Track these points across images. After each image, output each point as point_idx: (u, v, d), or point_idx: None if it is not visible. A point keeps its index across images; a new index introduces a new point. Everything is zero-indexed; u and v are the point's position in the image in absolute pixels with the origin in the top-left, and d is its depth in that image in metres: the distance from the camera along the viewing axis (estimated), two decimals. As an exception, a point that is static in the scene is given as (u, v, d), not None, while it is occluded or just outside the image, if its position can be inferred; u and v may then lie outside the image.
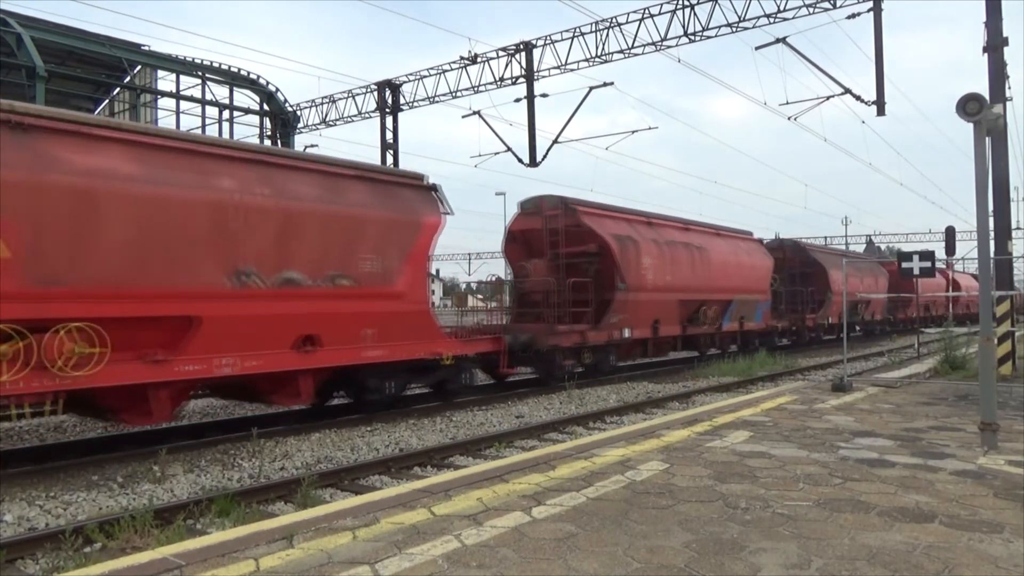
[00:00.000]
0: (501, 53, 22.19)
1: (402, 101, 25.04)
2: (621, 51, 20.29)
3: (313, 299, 9.94)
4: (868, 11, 16.83)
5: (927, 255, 10.92)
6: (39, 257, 7.42)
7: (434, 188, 12.24)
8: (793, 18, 18.12)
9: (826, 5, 17.56)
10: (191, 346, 8.64)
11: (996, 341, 10.01)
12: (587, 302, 15.23)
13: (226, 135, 22.27)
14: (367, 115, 25.59)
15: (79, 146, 7.95)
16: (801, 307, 25.34)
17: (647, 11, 19.69)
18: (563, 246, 15.22)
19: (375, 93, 25.17)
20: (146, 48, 21.44)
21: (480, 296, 20.15)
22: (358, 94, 25.57)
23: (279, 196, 9.63)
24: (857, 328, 30.48)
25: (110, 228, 7.95)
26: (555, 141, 22.50)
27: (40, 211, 7.45)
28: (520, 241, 16.19)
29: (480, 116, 23.33)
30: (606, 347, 15.87)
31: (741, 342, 21.40)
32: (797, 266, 25.79)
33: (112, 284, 7.95)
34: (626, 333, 16.01)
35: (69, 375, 7.52)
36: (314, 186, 10.20)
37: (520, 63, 21.84)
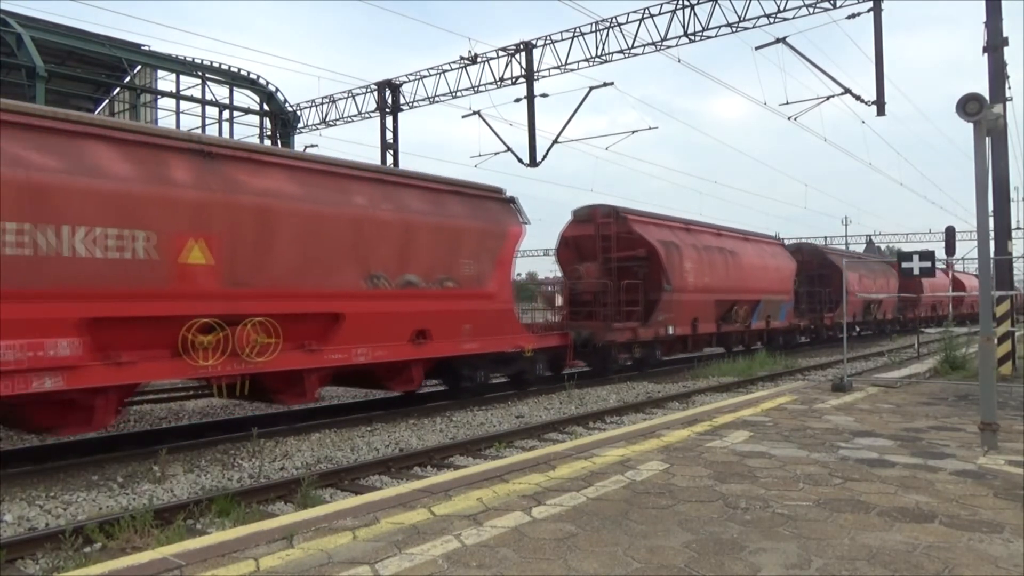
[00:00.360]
0: (501, 53, 22.19)
1: (402, 101, 25.05)
2: (621, 51, 20.30)
3: (426, 299, 11.61)
4: (868, 11, 16.84)
5: (927, 255, 10.87)
6: (233, 264, 8.94)
7: (512, 200, 13.87)
8: (793, 18, 18.13)
9: (826, 5, 17.56)
10: (336, 338, 10.21)
11: (996, 341, 10.01)
12: (636, 302, 16.61)
13: (226, 135, 22.27)
14: (367, 115, 25.59)
15: (254, 171, 9.51)
16: (819, 307, 26.60)
17: (647, 11, 19.69)
18: (614, 251, 16.76)
19: (375, 93, 25.17)
20: (146, 48, 21.45)
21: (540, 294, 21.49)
22: (358, 94, 25.58)
23: (399, 210, 11.24)
24: (857, 328, 31.12)
25: (281, 239, 9.50)
26: (555, 141, 22.51)
27: (232, 226, 8.96)
28: (572, 246, 17.68)
29: (480, 116, 23.34)
30: (652, 343, 17.32)
31: (767, 339, 22.95)
32: (815, 268, 26.98)
33: (283, 286, 9.52)
34: (670, 330, 17.52)
35: (253, 360, 9.06)
36: (424, 201, 11.80)
37: (520, 63, 21.84)
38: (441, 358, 11.97)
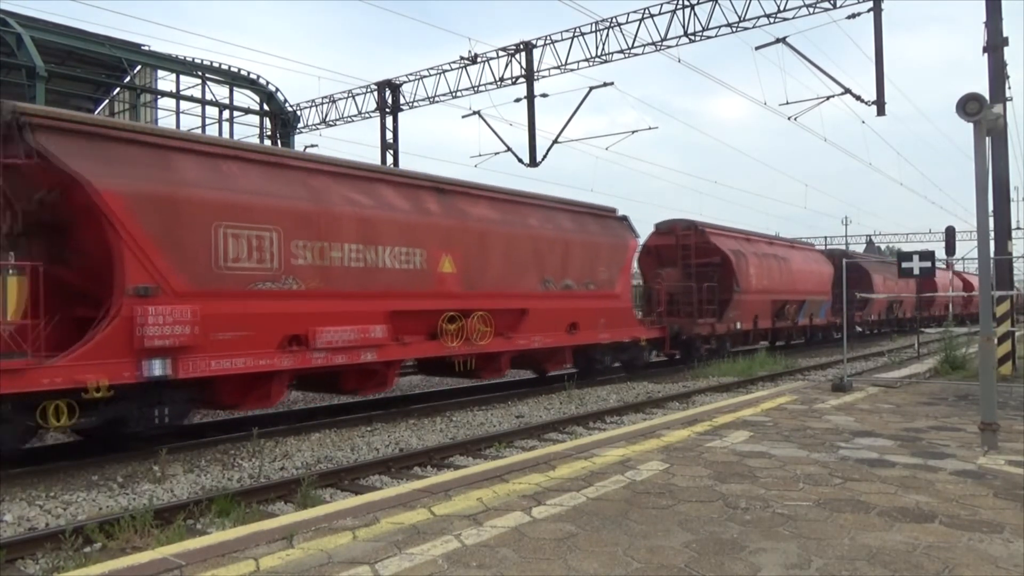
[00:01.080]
0: (501, 53, 22.19)
1: (402, 101, 25.04)
2: (621, 51, 20.29)
3: (577, 298, 14.93)
4: (868, 11, 16.83)
5: (927, 255, 10.91)
6: (467, 272, 12.29)
7: (625, 218, 17.51)
8: (793, 18, 18.12)
9: (826, 5, 17.56)
10: (521, 328, 13.46)
11: (996, 341, 10.01)
12: (713, 301, 19.65)
13: (226, 135, 22.27)
14: (367, 115, 25.58)
15: (472, 202, 12.96)
16: (851, 306, 30.10)
17: (647, 11, 19.68)
18: (693, 258, 19.80)
19: (375, 93, 25.16)
20: (146, 48, 21.43)
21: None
22: (358, 94, 25.57)
23: (558, 230, 14.74)
24: (856, 329, 31.97)
25: (492, 254, 12.93)
26: (555, 141, 22.51)
27: (465, 244, 12.35)
28: (654, 254, 20.77)
29: (480, 116, 23.33)
30: (723, 336, 20.43)
31: (810, 334, 26.79)
32: (849, 271, 29.67)
33: (493, 288, 12.85)
34: (738, 325, 20.78)
35: (477, 344, 12.40)
36: (572, 221, 15.40)
37: (520, 63, 21.84)
38: (583, 345, 15.11)
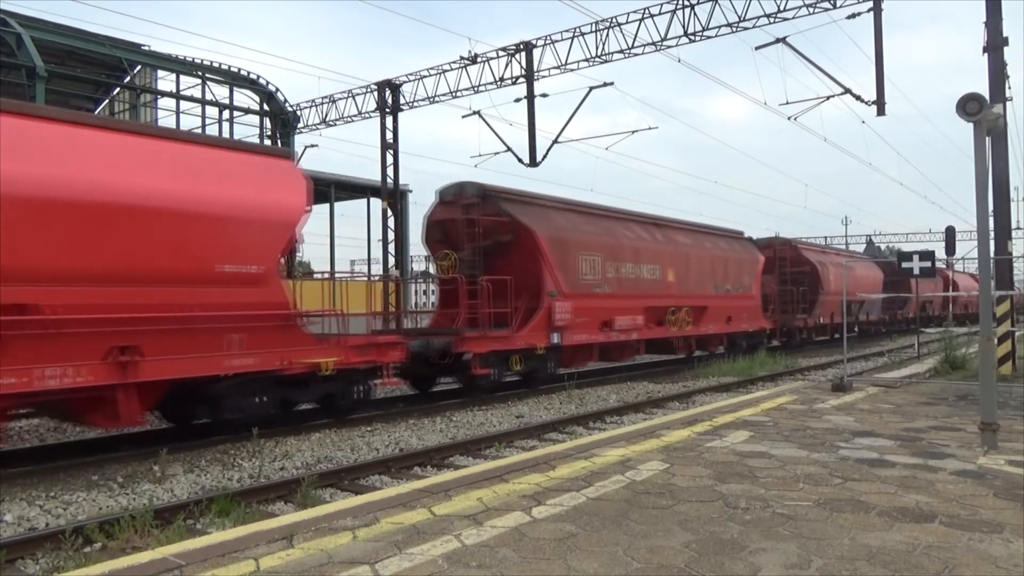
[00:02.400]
0: (501, 53, 22.18)
1: (402, 101, 25.03)
2: (621, 51, 20.27)
3: (732, 298, 20.86)
4: (868, 11, 16.80)
5: (927, 255, 10.96)
6: (678, 280, 18.11)
7: (752, 239, 24.33)
8: (793, 18, 18.09)
9: (826, 5, 17.55)
10: (701, 321, 19.14)
11: (996, 341, 10.01)
12: (804, 300, 25.74)
13: (226, 135, 22.26)
14: (367, 115, 25.55)
15: (675, 231, 19.38)
16: (893, 305, 35.72)
17: (647, 11, 19.67)
18: (788, 267, 25.97)
19: (375, 93, 25.15)
20: (146, 48, 21.43)
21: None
22: (358, 94, 25.56)
23: (720, 249, 21.00)
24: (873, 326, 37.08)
25: (690, 268, 18.70)
26: (555, 141, 22.48)
27: (676, 262, 18.06)
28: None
29: (480, 116, 23.30)
30: (812, 328, 26.74)
31: (864, 328, 32.81)
32: (889, 275, 34.66)
33: (690, 291, 18.70)
34: (821, 320, 27.03)
35: (684, 330, 18.13)
36: (726, 243, 21.84)
37: (520, 63, 21.83)
38: (733, 332, 20.74)
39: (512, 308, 13.47)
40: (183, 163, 8.97)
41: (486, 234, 13.95)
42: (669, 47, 19.60)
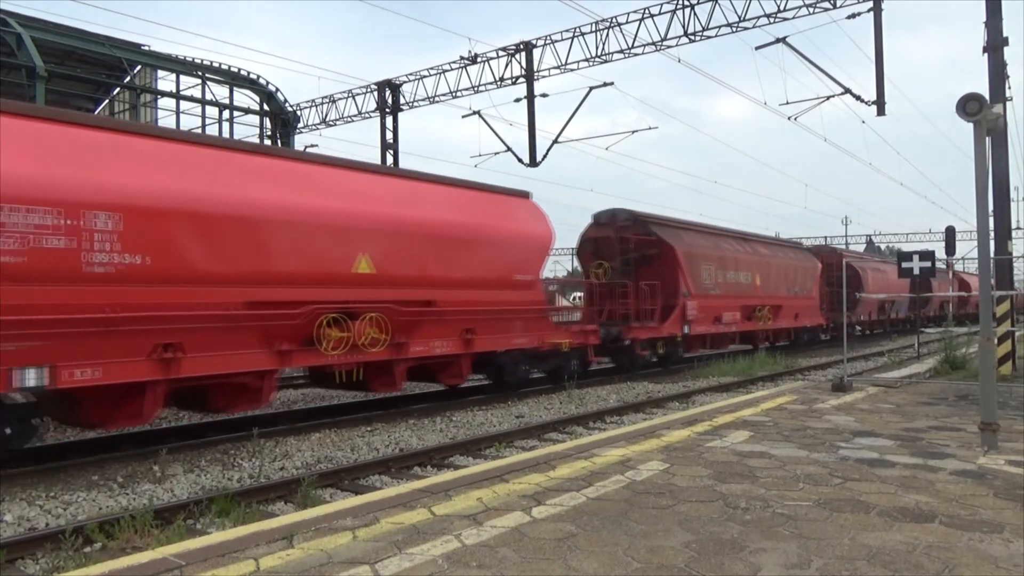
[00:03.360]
0: (501, 53, 22.19)
1: (402, 101, 25.04)
2: (621, 51, 20.29)
3: (799, 299, 24.92)
4: (868, 11, 16.83)
5: (927, 255, 10.99)
6: (764, 284, 22.40)
7: (811, 248, 29.41)
8: (793, 18, 18.13)
9: (826, 5, 17.56)
10: (779, 317, 23.11)
11: (996, 341, 10.01)
12: (849, 301, 27.01)
13: (226, 135, 22.25)
14: (367, 115, 25.59)
15: (759, 244, 24.00)
16: (915, 304, 39.50)
17: (647, 11, 19.69)
18: (835, 272, 27.82)
19: (375, 93, 25.17)
20: (146, 48, 21.42)
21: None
22: (358, 94, 25.58)
23: (789, 259, 24.99)
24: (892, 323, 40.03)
25: (770, 274, 22.90)
26: (555, 141, 22.51)
27: (762, 270, 22.58)
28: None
29: (480, 116, 23.34)
30: (854, 324, 30.63)
31: (895, 324, 37.03)
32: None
33: (770, 293, 22.79)
34: (861, 317, 31.32)
35: (766, 324, 22.28)
36: (793, 252, 26.27)
37: (520, 63, 21.84)
38: (798, 327, 25.43)
39: (657, 306, 17.67)
40: (487, 206, 13.53)
41: (635, 249, 17.95)
42: (669, 47, 19.62)
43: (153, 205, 8.29)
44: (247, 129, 24.37)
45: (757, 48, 18.61)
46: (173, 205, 8.48)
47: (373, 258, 10.67)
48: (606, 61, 20.69)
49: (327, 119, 26.30)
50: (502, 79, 22.24)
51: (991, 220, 11.76)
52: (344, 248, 10.37)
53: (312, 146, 24.85)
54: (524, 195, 14.89)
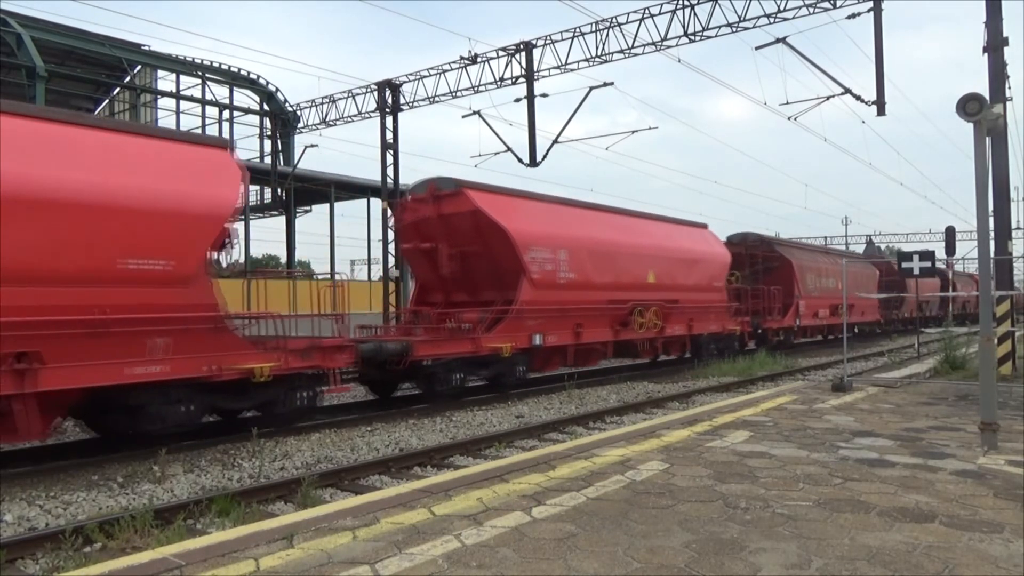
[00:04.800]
0: (501, 53, 22.19)
1: (402, 101, 25.03)
2: (621, 51, 20.28)
3: (864, 300, 28.23)
4: (868, 11, 16.80)
5: (927, 255, 11.00)
6: (849, 288, 21.35)
7: (870, 257, 38.34)
8: (793, 18, 18.09)
9: (826, 5, 17.55)
10: (852, 312, 27.99)
11: (996, 341, 10.01)
12: (895, 303, 34.74)
13: (226, 135, 22.26)
14: (367, 115, 25.56)
15: (826, 257, 30.36)
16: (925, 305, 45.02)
17: (647, 11, 19.67)
18: (884, 276, 32.66)
19: (375, 93, 25.16)
20: (146, 48, 21.45)
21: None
22: (358, 94, 25.57)
23: (861, 268, 30.98)
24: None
25: (851, 282, 26.74)
26: (555, 141, 22.49)
27: (838, 274, 27.78)
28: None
29: (480, 116, 23.31)
30: (897, 320, 35.93)
31: (908, 320, 39.47)
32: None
33: (852, 295, 24.88)
34: (904, 315, 35.73)
35: (855, 318, 29.71)
36: (858, 264, 32.11)
37: (520, 63, 21.83)
38: (866, 321, 31.27)
39: (780, 304, 23.67)
40: (694, 236, 20.61)
41: (762, 262, 24.46)
42: (669, 47, 19.60)
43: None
44: (247, 129, 24.39)
45: (757, 48, 18.60)
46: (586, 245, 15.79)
47: (655, 272, 17.66)
48: (606, 61, 20.68)
49: (327, 119, 26.28)
50: (502, 79, 22.24)
51: (991, 220, 11.76)
52: (642, 267, 17.40)
53: (312, 146, 24.88)
54: (704, 226, 21.68)
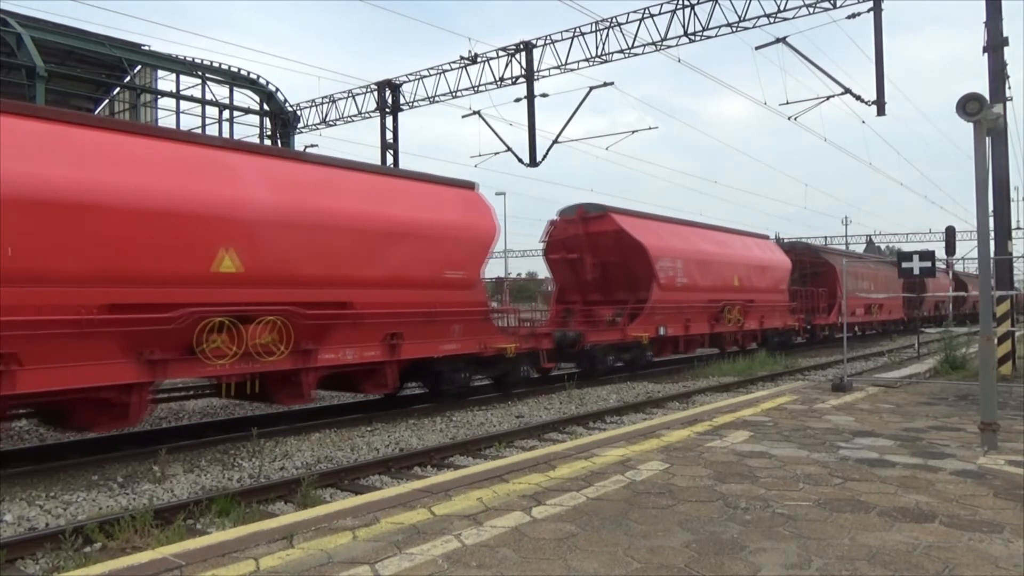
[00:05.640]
0: (501, 53, 22.19)
1: (402, 101, 25.04)
2: (621, 51, 20.30)
3: (891, 301, 32.20)
4: (868, 11, 16.83)
5: (927, 255, 10.99)
6: (877, 290, 30.74)
7: (896, 259, 32.58)
8: (793, 18, 18.12)
9: (826, 5, 17.56)
10: (881, 311, 32.16)
11: (996, 341, 10.01)
12: (917, 303, 35.23)
13: (226, 135, 22.26)
14: (367, 115, 25.59)
15: (861, 263, 32.59)
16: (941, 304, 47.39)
17: (647, 11, 19.69)
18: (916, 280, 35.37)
19: (375, 93, 25.17)
20: (146, 48, 21.44)
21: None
22: (358, 94, 25.58)
23: (887, 272, 31.39)
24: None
25: (880, 284, 31.06)
26: (555, 141, 22.51)
27: (873, 278, 31.29)
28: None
29: (480, 116, 23.33)
30: (918, 318, 35.72)
31: (928, 318, 41.17)
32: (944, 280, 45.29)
33: (879, 299, 31.22)
34: (924, 312, 36.40)
35: (879, 317, 32.82)
36: (884, 268, 32.44)
37: (520, 63, 21.84)
38: (891, 319, 34.19)
39: (825, 304, 26.79)
40: (762, 247, 23.93)
41: (810, 267, 27.42)
42: (669, 47, 19.62)
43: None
44: (247, 129, 24.39)
45: (757, 48, 18.62)
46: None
47: (739, 277, 20.61)
48: (606, 61, 20.69)
49: (327, 119, 26.30)
50: (502, 79, 22.25)
51: (991, 220, 11.76)
52: (730, 273, 20.51)
53: (312, 146, 24.88)
54: (767, 237, 25.24)
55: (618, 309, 17.33)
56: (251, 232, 9.07)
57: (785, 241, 30.19)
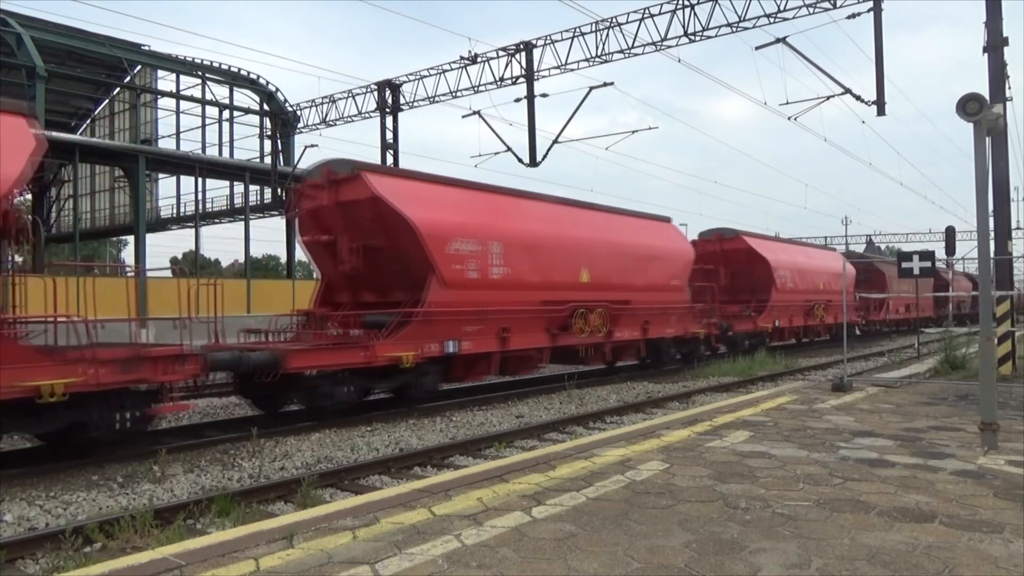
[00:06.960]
0: (501, 53, 22.20)
1: (402, 101, 25.04)
2: (621, 51, 20.30)
3: (922, 301, 34.76)
4: (868, 11, 16.83)
5: (927, 255, 11.02)
6: (913, 291, 32.74)
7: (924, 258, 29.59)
8: (793, 18, 18.13)
9: (826, 5, 17.56)
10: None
11: (996, 341, 10.01)
12: (938, 304, 40.50)
13: (226, 135, 22.26)
14: (367, 115, 25.60)
15: (882, 265, 34.63)
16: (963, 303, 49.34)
17: (647, 11, 19.70)
18: (935, 279, 36.44)
19: (375, 93, 25.17)
20: (146, 48, 21.45)
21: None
22: (358, 94, 25.59)
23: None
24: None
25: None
26: (555, 141, 22.51)
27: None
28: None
29: (480, 116, 23.33)
30: (939, 318, 38.55)
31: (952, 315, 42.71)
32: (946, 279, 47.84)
33: (916, 299, 33.53)
34: (941, 312, 40.26)
35: (912, 314, 35.50)
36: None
37: (520, 63, 21.84)
38: (922, 317, 33.95)
39: (876, 303, 31.36)
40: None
41: (862, 274, 30.63)
42: (669, 47, 19.62)
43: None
44: (247, 129, 24.39)
45: (757, 48, 18.60)
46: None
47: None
48: (606, 61, 20.70)
49: (327, 119, 26.31)
50: (502, 79, 22.25)
51: (991, 220, 11.76)
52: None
53: (312, 146, 24.90)
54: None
55: (743, 306, 22.64)
56: (593, 258, 15.38)
57: (840, 251, 36.90)
